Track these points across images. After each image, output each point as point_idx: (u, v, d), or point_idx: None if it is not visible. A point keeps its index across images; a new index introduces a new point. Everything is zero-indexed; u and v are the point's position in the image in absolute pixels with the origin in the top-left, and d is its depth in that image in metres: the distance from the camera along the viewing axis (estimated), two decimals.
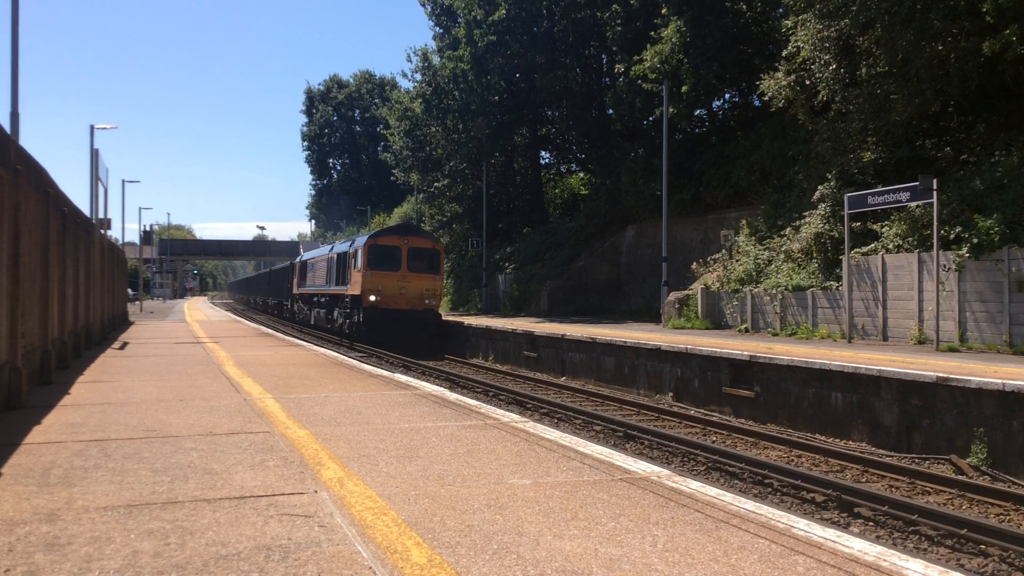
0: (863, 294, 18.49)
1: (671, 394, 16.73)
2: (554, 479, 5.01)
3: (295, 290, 41.91)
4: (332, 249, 34.02)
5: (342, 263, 30.58)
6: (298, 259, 43.18)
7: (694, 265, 27.04)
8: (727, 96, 33.73)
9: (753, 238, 24.55)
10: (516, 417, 7.62)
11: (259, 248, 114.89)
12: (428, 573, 3.27)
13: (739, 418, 14.35)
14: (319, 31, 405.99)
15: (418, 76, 45.57)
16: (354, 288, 28.08)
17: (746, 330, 21.89)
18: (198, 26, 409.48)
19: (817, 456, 10.73)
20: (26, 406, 7.87)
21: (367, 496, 4.49)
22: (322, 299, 34.59)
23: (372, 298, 27.13)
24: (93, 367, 12.20)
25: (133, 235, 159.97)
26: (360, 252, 27.70)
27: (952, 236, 16.31)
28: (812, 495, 8.73)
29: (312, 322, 36.61)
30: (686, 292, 25.59)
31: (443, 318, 30.00)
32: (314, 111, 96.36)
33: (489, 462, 5.47)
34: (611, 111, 39.37)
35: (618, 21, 33.91)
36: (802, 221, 21.90)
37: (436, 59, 43.71)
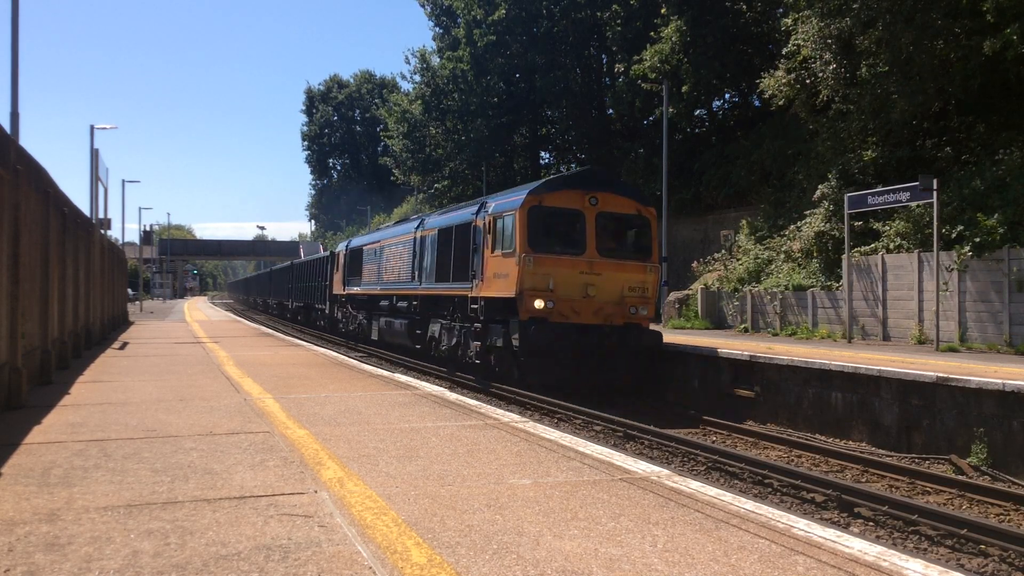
0: (863, 294, 18.49)
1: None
2: (554, 479, 5.00)
3: (339, 290, 30.25)
4: (422, 224, 21.15)
5: (455, 243, 18.19)
6: (342, 246, 31.37)
7: (694, 265, 27.05)
8: (727, 96, 33.81)
9: (753, 238, 24.57)
10: (516, 417, 7.62)
11: (259, 248, 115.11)
12: (428, 573, 3.27)
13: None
14: (319, 31, 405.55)
15: (417, 77, 45.68)
16: (494, 286, 15.93)
17: (746, 330, 21.88)
18: (198, 26, 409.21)
19: (817, 456, 10.73)
20: (26, 406, 7.87)
21: (367, 496, 4.49)
22: (402, 304, 22.16)
23: (538, 304, 14.95)
24: (93, 367, 12.19)
25: (133, 235, 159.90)
26: (512, 221, 15.30)
27: (953, 235, 16.31)
28: (812, 495, 8.72)
29: (374, 336, 24.89)
30: (686, 292, 25.59)
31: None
32: (314, 111, 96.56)
33: (489, 462, 5.47)
34: (611, 111, 39.43)
35: (618, 21, 33.97)
36: (802, 221, 21.90)
37: (435, 60, 43.79)
